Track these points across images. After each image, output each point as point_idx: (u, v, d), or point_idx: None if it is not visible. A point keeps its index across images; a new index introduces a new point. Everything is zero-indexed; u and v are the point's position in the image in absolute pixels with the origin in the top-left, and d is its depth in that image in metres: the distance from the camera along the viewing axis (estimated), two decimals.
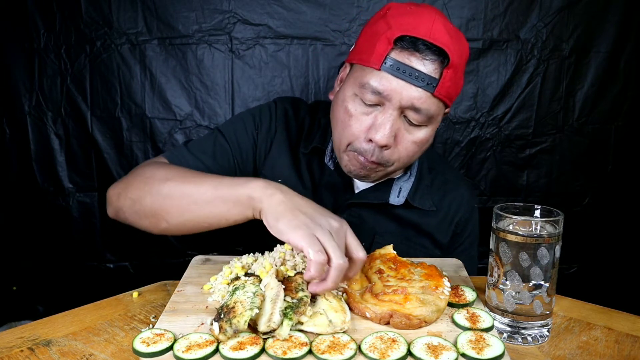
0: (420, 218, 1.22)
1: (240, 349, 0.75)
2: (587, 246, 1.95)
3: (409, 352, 0.76)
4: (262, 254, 1.05)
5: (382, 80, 1.01)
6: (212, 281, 0.98)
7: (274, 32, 1.79)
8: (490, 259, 0.89)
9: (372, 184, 1.20)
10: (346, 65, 1.15)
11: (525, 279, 0.84)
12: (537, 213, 0.88)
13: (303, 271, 0.95)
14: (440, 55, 1.01)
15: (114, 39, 1.77)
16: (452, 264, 1.09)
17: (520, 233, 0.83)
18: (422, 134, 1.07)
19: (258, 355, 0.75)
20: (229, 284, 0.91)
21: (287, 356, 0.74)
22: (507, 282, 0.85)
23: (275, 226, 0.86)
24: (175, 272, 1.12)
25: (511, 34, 1.81)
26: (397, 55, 1.00)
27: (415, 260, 1.00)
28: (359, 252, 0.88)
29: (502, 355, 0.76)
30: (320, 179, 1.22)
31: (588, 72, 1.85)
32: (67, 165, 1.84)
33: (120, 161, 1.85)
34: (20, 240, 1.86)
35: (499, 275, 0.86)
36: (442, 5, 1.77)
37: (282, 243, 1.05)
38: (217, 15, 1.77)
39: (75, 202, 1.86)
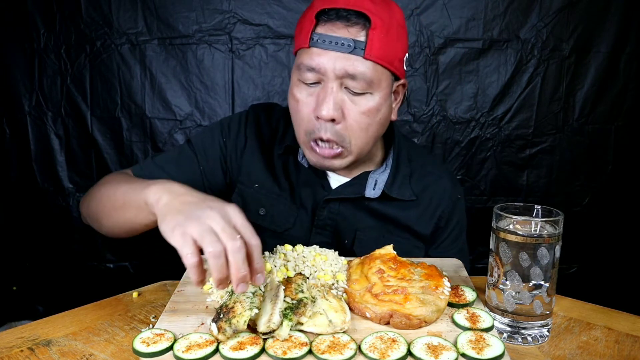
0: (398, 211, 1.20)
1: (240, 349, 0.75)
2: (587, 246, 1.95)
3: (409, 352, 0.76)
4: (262, 254, 1.04)
5: (313, 56, 1.03)
6: (211, 281, 0.98)
7: (274, 32, 1.79)
8: (490, 259, 0.89)
9: (347, 179, 1.20)
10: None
11: (525, 279, 0.84)
12: (537, 213, 0.88)
13: (303, 272, 0.95)
14: (362, 18, 1.02)
15: (114, 39, 1.77)
16: (452, 264, 1.09)
17: (520, 233, 0.83)
18: (369, 103, 1.06)
19: (258, 355, 0.75)
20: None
21: (287, 356, 0.74)
22: (507, 282, 0.85)
23: (161, 230, 0.82)
24: (175, 272, 1.12)
25: (511, 34, 1.81)
26: (322, 29, 1.03)
27: (415, 260, 1.00)
28: (251, 239, 0.80)
29: (502, 355, 0.76)
30: (297, 179, 1.22)
31: (588, 72, 1.85)
32: (67, 165, 1.84)
33: (120, 161, 1.85)
34: (20, 240, 1.86)
35: (499, 275, 0.86)
36: (442, 5, 1.77)
37: (282, 244, 1.05)
38: (217, 15, 1.77)
39: (75, 202, 1.86)
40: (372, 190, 1.18)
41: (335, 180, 1.21)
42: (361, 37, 1.02)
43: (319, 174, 1.20)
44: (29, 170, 1.83)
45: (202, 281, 0.78)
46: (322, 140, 1.07)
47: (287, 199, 1.20)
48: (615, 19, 1.80)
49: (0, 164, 1.81)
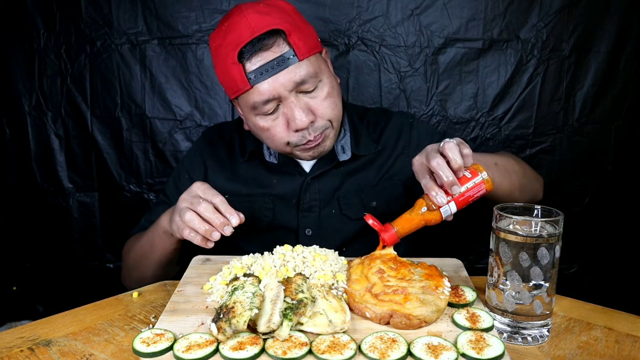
0: (371, 165, 1.31)
1: (240, 349, 0.75)
2: (587, 246, 1.94)
3: (409, 352, 0.76)
4: (262, 254, 1.05)
5: (260, 91, 1.11)
6: (211, 281, 0.98)
7: None
8: (490, 259, 0.89)
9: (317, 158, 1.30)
10: (234, 101, 1.25)
11: (525, 279, 0.84)
12: (537, 213, 0.88)
13: (303, 272, 0.95)
14: (274, 33, 1.10)
15: (114, 39, 1.77)
16: (452, 264, 1.09)
17: (520, 233, 0.83)
18: (325, 89, 1.17)
19: (258, 355, 0.75)
20: (227, 285, 0.91)
21: (287, 356, 0.74)
22: (507, 282, 0.85)
23: (173, 235, 1.10)
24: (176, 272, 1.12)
25: (511, 34, 1.80)
26: (250, 66, 1.10)
27: (415, 260, 1.00)
28: (213, 198, 1.03)
29: (502, 355, 0.76)
30: (270, 175, 1.31)
31: (588, 72, 1.84)
32: (67, 165, 1.84)
33: (120, 161, 1.85)
34: (20, 240, 1.86)
35: (499, 275, 0.86)
36: (442, 5, 1.77)
37: (281, 244, 1.05)
38: (217, 15, 1.77)
39: (75, 202, 1.86)
40: (343, 154, 1.29)
41: (306, 164, 1.31)
42: (285, 48, 1.11)
43: (290, 164, 1.30)
44: (29, 170, 1.83)
45: (204, 240, 1.03)
46: (310, 141, 1.17)
47: (258, 197, 1.30)
48: (615, 19, 1.80)
49: (0, 164, 1.81)
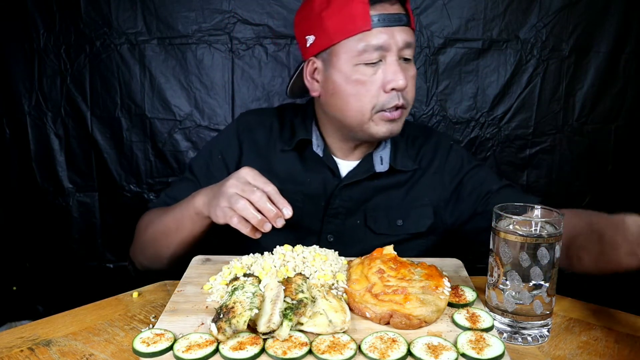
0: (405, 182, 1.30)
1: (240, 349, 0.75)
2: None
3: (409, 352, 0.76)
4: (262, 254, 1.05)
5: (379, 35, 1.11)
6: (211, 281, 0.98)
7: (274, 32, 1.79)
8: (490, 259, 0.89)
9: (356, 163, 1.29)
10: (311, 60, 1.21)
11: (525, 279, 0.84)
12: (537, 213, 0.88)
13: (303, 272, 0.95)
14: None
15: (114, 39, 1.77)
16: (452, 264, 1.09)
17: (520, 233, 0.83)
18: (413, 70, 1.19)
19: (258, 355, 0.75)
20: (227, 285, 0.91)
21: (287, 356, 0.74)
22: (507, 282, 0.85)
23: (215, 221, 1.06)
24: (175, 272, 1.12)
25: (511, 34, 1.80)
26: (377, 10, 1.11)
27: (415, 260, 1.00)
28: (265, 187, 1.01)
29: (502, 355, 0.76)
30: (304, 172, 1.28)
31: (588, 72, 1.84)
32: (67, 165, 1.84)
33: (120, 161, 1.85)
34: (20, 240, 1.86)
35: (499, 275, 0.86)
36: (442, 5, 1.77)
37: (281, 244, 1.05)
38: (217, 15, 1.77)
39: (75, 202, 1.86)
40: (381, 166, 1.27)
41: (344, 167, 1.29)
42: (403, 10, 1.15)
43: (331, 162, 1.28)
44: (29, 170, 1.83)
45: (253, 230, 1.00)
46: (396, 108, 1.16)
47: (289, 192, 1.23)
48: (615, 19, 1.80)
49: (0, 164, 1.81)
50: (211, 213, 1.05)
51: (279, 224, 0.99)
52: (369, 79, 1.14)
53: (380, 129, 1.19)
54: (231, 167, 1.29)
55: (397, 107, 1.16)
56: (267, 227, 0.99)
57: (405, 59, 1.16)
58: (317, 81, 1.22)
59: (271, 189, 1.00)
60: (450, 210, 1.29)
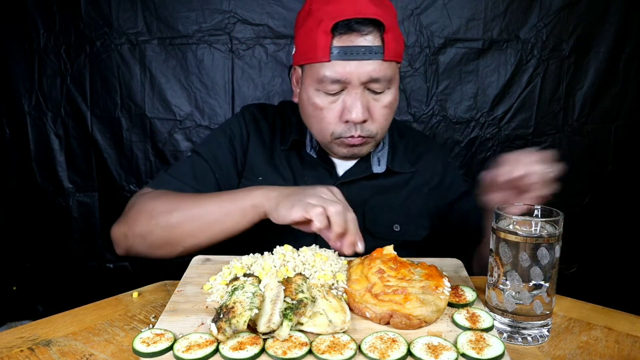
0: (401, 183, 1.30)
1: (240, 349, 0.75)
2: (587, 246, 1.95)
3: (409, 352, 0.76)
4: (262, 254, 1.05)
5: (336, 68, 1.09)
6: (211, 281, 0.98)
7: (274, 32, 1.79)
8: (490, 259, 0.89)
9: (353, 163, 1.28)
10: (296, 68, 1.22)
11: (525, 279, 0.84)
12: (537, 213, 0.88)
13: (303, 272, 0.95)
14: (375, 25, 1.08)
15: (114, 39, 1.77)
16: (452, 264, 1.09)
17: (520, 233, 0.83)
18: (389, 97, 1.16)
19: (258, 355, 0.75)
20: (227, 285, 0.91)
21: (287, 356, 0.74)
22: (507, 282, 0.85)
23: (277, 216, 1.00)
24: (175, 272, 1.12)
25: (511, 34, 1.81)
26: (339, 42, 1.08)
27: (415, 260, 1.00)
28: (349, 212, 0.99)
29: (502, 355, 0.76)
30: (302, 170, 1.28)
31: (588, 72, 1.85)
32: (67, 165, 1.84)
33: (120, 161, 1.85)
34: (20, 240, 1.86)
35: (499, 275, 0.86)
36: (442, 5, 1.77)
37: (281, 244, 1.05)
38: (217, 15, 1.77)
39: (75, 202, 1.86)
40: (378, 167, 1.27)
41: (340, 167, 1.28)
42: (377, 42, 1.09)
43: (327, 163, 1.27)
44: (29, 170, 1.83)
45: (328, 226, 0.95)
46: (352, 137, 1.16)
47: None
48: (615, 19, 1.80)
49: (0, 164, 1.81)
50: (280, 207, 1.00)
51: (358, 248, 0.98)
52: (327, 107, 1.14)
53: (341, 150, 1.20)
54: (239, 153, 1.29)
55: (352, 137, 1.15)
56: (339, 244, 0.98)
57: (375, 92, 1.13)
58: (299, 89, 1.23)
59: (352, 216, 0.99)
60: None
